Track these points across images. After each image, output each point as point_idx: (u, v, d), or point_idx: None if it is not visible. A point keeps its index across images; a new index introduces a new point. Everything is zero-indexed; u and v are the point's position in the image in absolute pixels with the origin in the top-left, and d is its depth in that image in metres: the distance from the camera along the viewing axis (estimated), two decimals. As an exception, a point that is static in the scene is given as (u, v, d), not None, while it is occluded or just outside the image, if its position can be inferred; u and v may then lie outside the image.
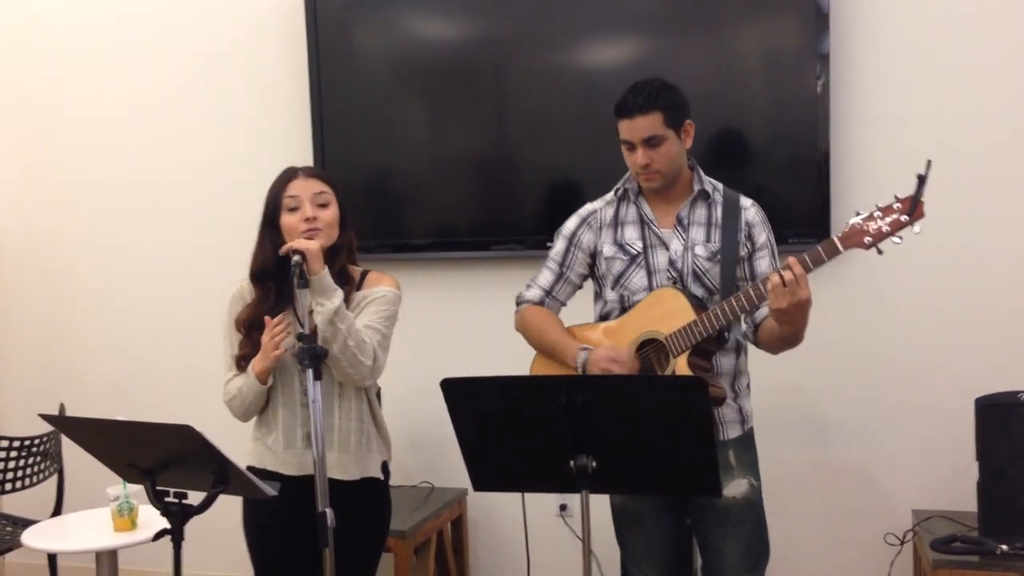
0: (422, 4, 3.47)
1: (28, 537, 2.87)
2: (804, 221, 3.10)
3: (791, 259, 2.13)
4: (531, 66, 3.38)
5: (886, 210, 2.10)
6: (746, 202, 2.41)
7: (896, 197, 2.10)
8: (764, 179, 3.14)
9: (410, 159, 3.52)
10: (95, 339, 3.95)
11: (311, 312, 2.13)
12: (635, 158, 2.31)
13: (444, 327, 3.56)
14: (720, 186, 2.42)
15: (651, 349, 2.33)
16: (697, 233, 2.37)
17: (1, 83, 4.00)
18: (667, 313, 2.30)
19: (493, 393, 2.06)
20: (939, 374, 3.13)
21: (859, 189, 3.12)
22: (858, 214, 2.13)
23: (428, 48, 3.48)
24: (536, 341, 2.48)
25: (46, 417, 2.20)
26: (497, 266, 3.47)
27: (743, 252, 2.37)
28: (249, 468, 2.17)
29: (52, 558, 3.46)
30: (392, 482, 3.40)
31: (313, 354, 2.02)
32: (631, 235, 2.40)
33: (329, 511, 2.01)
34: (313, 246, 2.13)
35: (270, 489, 2.07)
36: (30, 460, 3.28)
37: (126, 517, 2.81)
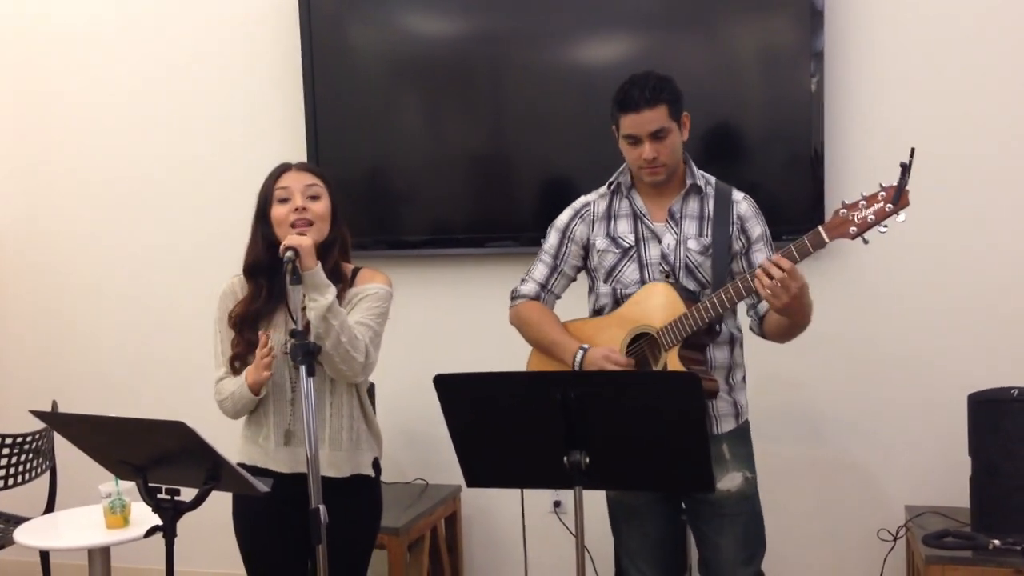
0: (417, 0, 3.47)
1: (20, 534, 2.87)
2: (798, 217, 3.09)
3: (775, 256, 2.13)
4: (526, 63, 3.37)
5: (871, 199, 2.10)
6: (738, 195, 2.41)
7: (881, 185, 2.10)
8: (758, 175, 3.14)
9: (405, 156, 3.51)
10: (88, 336, 3.94)
11: (304, 308, 2.12)
12: (640, 152, 2.30)
13: (439, 324, 3.56)
14: (712, 180, 2.43)
15: (644, 343, 2.34)
16: (689, 227, 2.37)
17: (-6, 79, 3.99)
18: (658, 307, 2.30)
19: (486, 389, 2.05)
20: (932, 370, 3.14)
21: (852, 185, 3.11)
22: (843, 204, 2.13)
23: (423, 44, 3.48)
24: (533, 338, 2.48)
25: (38, 414, 2.20)
26: (492, 263, 3.47)
27: (737, 246, 2.37)
28: (239, 466, 2.17)
29: (44, 555, 3.46)
30: (386, 479, 3.41)
31: (306, 350, 2.01)
32: (624, 228, 2.41)
33: (322, 507, 2.00)
34: (306, 242, 2.12)
35: (262, 486, 2.06)
36: (22, 457, 3.27)
37: (118, 514, 2.81)
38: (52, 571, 3.49)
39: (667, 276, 2.36)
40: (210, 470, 2.02)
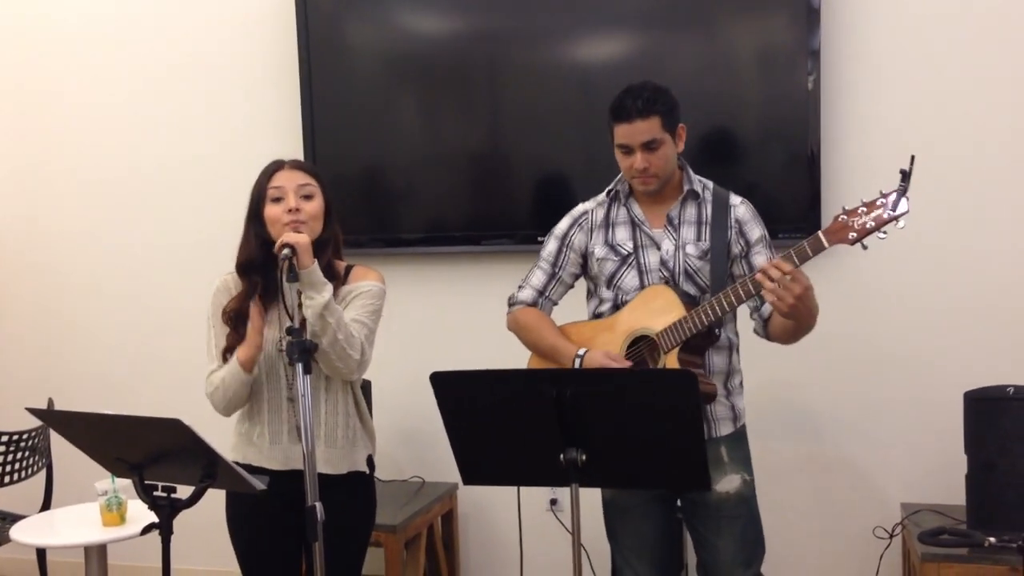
0: (413, -2, 3.47)
1: (17, 532, 2.87)
2: (795, 216, 3.10)
3: (776, 260, 2.14)
4: (523, 62, 3.37)
5: (871, 205, 2.11)
6: (735, 199, 2.41)
7: (881, 192, 2.11)
8: (755, 175, 3.14)
9: (402, 154, 3.51)
10: (86, 334, 3.94)
11: (299, 306, 2.12)
12: (632, 162, 2.31)
13: (435, 322, 3.56)
14: (710, 184, 2.43)
15: (643, 345, 2.35)
16: (688, 232, 2.38)
17: (-10, 77, 3.98)
18: (658, 310, 2.31)
19: (483, 387, 2.06)
20: (928, 369, 3.14)
21: (849, 185, 3.13)
22: (843, 209, 2.14)
23: (420, 43, 3.47)
24: (531, 343, 2.49)
25: (34, 411, 2.19)
26: (488, 261, 3.47)
27: (736, 249, 2.38)
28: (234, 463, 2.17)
29: (41, 553, 3.46)
30: (383, 476, 3.42)
31: (303, 348, 2.01)
32: (622, 236, 2.42)
33: (319, 505, 2.00)
34: (303, 239, 2.13)
35: (259, 483, 2.06)
36: (19, 455, 3.27)
37: (115, 512, 2.81)
38: (48, 569, 3.49)
39: (666, 282, 2.37)
40: (206, 467, 2.02)
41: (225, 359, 2.28)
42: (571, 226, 2.48)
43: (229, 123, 3.70)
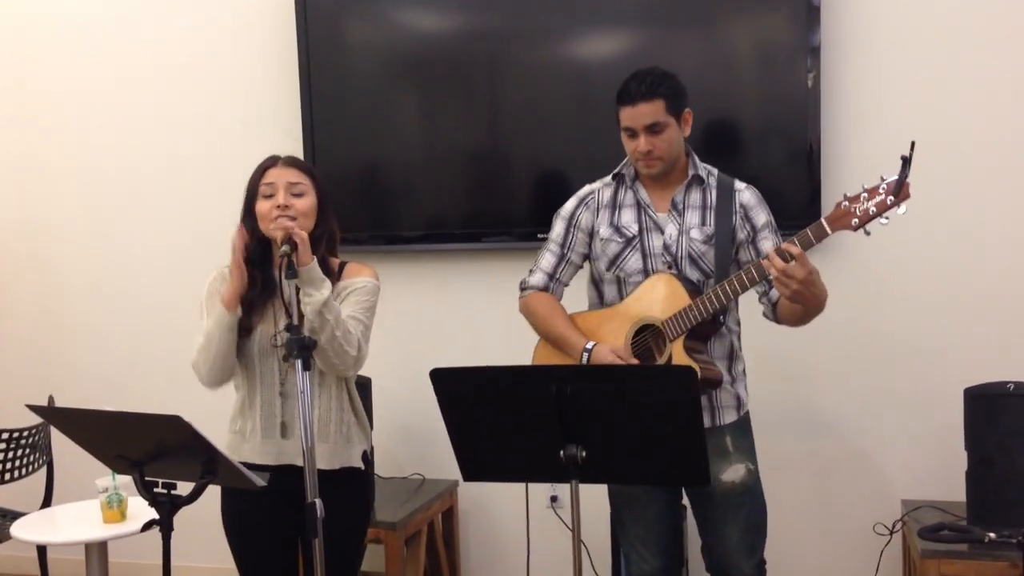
0: (413, -5, 3.47)
1: (17, 529, 2.87)
2: (795, 213, 3.09)
3: (785, 244, 2.15)
4: (523, 58, 3.37)
5: (872, 191, 2.12)
6: (740, 185, 2.43)
7: (882, 178, 2.12)
8: (755, 170, 3.13)
9: (401, 151, 3.51)
10: (86, 332, 3.94)
11: (297, 303, 2.12)
12: (636, 145, 2.33)
13: (435, 319, 3.56)
14: (715, 171, 2.45)
15: (648, 334, 2.36)
16: (692, 217, 2.40)
17: (-11, 74, 3.98)
18: (662, 298, 2.33)
19: (482, 383, 2.05)
20: (929, 365, 3.14)
21: (849, 180, 3.10)
22: (845, 196, 2.15)
23: (419, 40, 3.47)
24: (541, 330, 2.51)
25: (34, 408, 2.19)
26: (488, 258, 3.47)
27: (741, 235, 2.40)
28: None
29: (42, 550, 3.46)
30: (383, 473, 3.43)
31: (302, 344, 2.01)
32: (627, 218, 2.43)
33: (318, 501, 2.00)
34: (304, 235, 2.13)
35: (259, 479, 2.06)
36: (19, 452, 3.27)
37: (115, 509, 2.81)
38: (49, 566, 3.49)
39: (670, 266, 2.38)
40: (206, 464, 2.02)
41: None
42: (578, 206, 2.50)
43: (229, 121, 3.70)
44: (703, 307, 2.26)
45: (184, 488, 2.06)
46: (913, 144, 2.07)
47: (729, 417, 2.42)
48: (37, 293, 4.00)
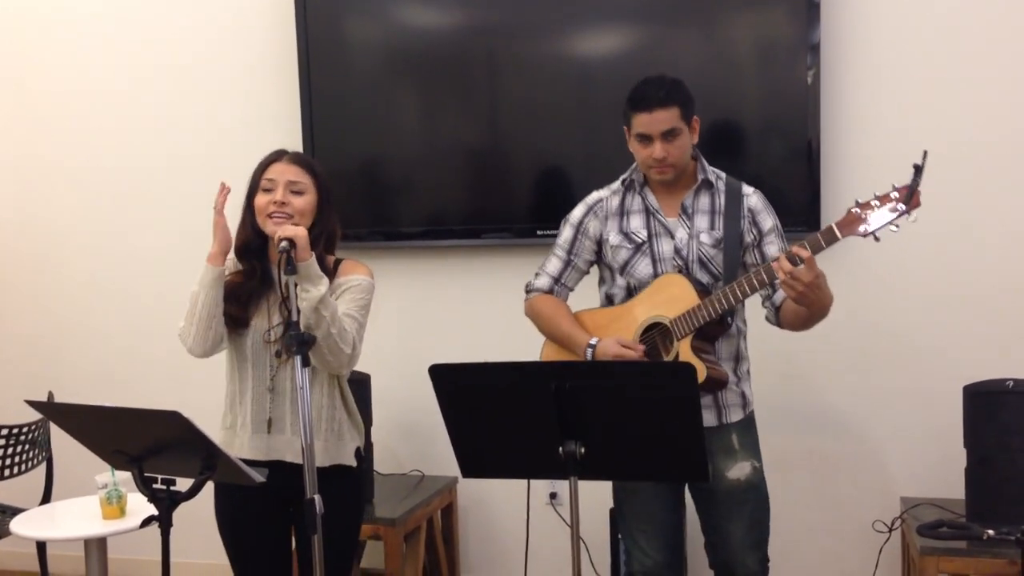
0: (412, -9, 3.46)
1: (17, 525, 2.86)
2: (794, 210, 3.09)
3: (795, 247, 2.17)
4: (523, 55, 3.37)
5: (883, 199, 2.14)
6: (748, 190, 2.46)
7: (894, 186, 2.14)
8: (755, 169, 3.13)
9: (401, 148, 3.51)
10: (85, 328, 3.94)
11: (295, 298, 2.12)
12: (651, 151, 2.34)
13: (435, 315, 3.56)
14: (723, 175, 2.47)
15: (656, 333, 2.38)
16: (701, 221, 2.42)
17: (-11, 70, 3.98)
18: (672, 298, 2.35)
19: (482, 380, 2.06)
20: (928, 362, 3.14)
21: (849, 179, 3.13)
22: (857, 202, 2.17)
23: (419, 36, 3.47)
24: (547, 330, 2.53)
25: (33, 404, 2.19)
26: (488, 254, 3.47)
27: (748, 239, 2.42)
28: None
29: (41, 546, 3.46)
30: (382, 470, 3.43)
31: (301, 340, 2.01)
32: (636, 224, 2.45)
33: (318, 497, 2.00)
34: (302, 232, 2.13)
35: (258, 475, 2.07)
36: (19, 448, 3.27)
37: (115, 505, 2.81)
38: (49, 562, 3.49)
39: (680, 270, 2.40)
40: (205, 460, 2.02)
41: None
42: (585, 214, 2.52)
43: (228, 118, 3.70)
44: (712, 307, 2.28)
45: (183, 484, 2.07)
46: (926, 153, 2.09)
47: (735, 416, 2.44)
48: (37, 291, 4.00)
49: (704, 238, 2.40)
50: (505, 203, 3.45)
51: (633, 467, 2.10)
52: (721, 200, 2.42)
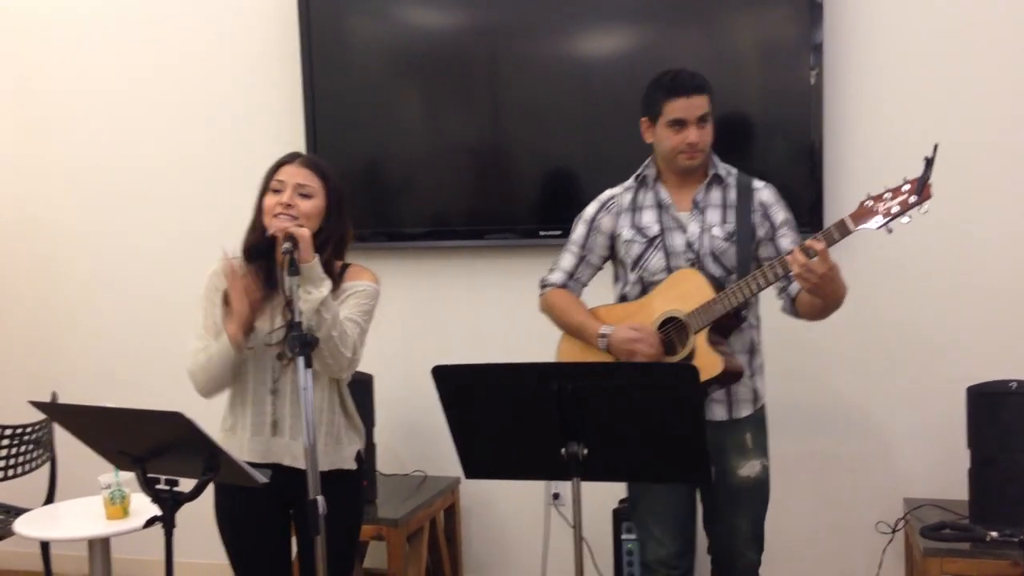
0: (415, -8, 3.47)
1: (20, 525, 2.87)
2: (798, 209, 3.06)
3: (810, 240, 2.21)
4: (526, 55, 3.37)
5: (896, 191, 2.18)
6: (758, 184, 2.50)
7: (905, 179, 2.17)
8: (758, 168, 3.09)
9: (404, 148, 3.51)
10: (87, 327, 3.94)
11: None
12: (684, 136, 2.39)
13: (438, 316, 3.56)
14: (733, 170, 2.51)
15: (671, 327, 2.40)
16: (713, 215, 2.45)
17: (-8, 70, 3.98)
18: (687, 292, 2.38)
19: (484, 380, 2.06)
20: (931, 363, 3.14)
21: (852, 178, 3.12)
22: (869, 195, 2.20)
23: (422, 36, 3.47)
24: (561, 323, 2.56)
25: (37, 404, 2.20)
26: (491, 255, 3.47)
27: (761, 232, 2.45)
28: None
29: (45, 546, 3.46)
30: (385, 470, 3.43)
31: (304, 342, 2.02)
32: (648, 219, 2.48)
33: (320, 498, 2.01)
34: (305, 233, 2.14)
35: (261, 476, 2.07)
36: (22, 448, 3.28)
37: (118, 505, 2.82)
38: (52, 562, 3.50)
39: (692, 264, 2.43)
40: (208, 460, 2.02)
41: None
42: (599, 210, 2.56)
43: (230, 117, 3.70)
44: (727, 301, 2.32)
45: (186, 484, 2.07)
46: (936, 146, 2.12)
47: (745, 411, 2.46)
48: (40, 291, 4.01)
49: (716, 232, 2.43)
50: (508, 204, 3.45)
51: (635, 468, 2.11)
52: (732, 194, 2.46)
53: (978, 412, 2.77)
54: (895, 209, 2.17)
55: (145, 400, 2.30)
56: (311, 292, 2.12)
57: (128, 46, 3.81)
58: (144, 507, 2.56)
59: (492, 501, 3.55)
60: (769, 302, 2.52)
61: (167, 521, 2.06)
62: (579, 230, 2.57)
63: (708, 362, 2.30)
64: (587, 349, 2.48)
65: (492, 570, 3.60)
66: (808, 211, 3.10)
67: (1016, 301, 3.07)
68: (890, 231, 2.19)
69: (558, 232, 3.30)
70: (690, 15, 3.23)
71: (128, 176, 3.85)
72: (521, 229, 3.39)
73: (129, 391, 3.72)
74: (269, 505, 2.25)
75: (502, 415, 2.04)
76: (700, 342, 2.34)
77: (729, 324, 2.39)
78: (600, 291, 2.62)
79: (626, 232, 2.49)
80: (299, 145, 3.49)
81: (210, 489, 2.10)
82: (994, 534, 2.64)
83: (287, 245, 2.09)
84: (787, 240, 2.43)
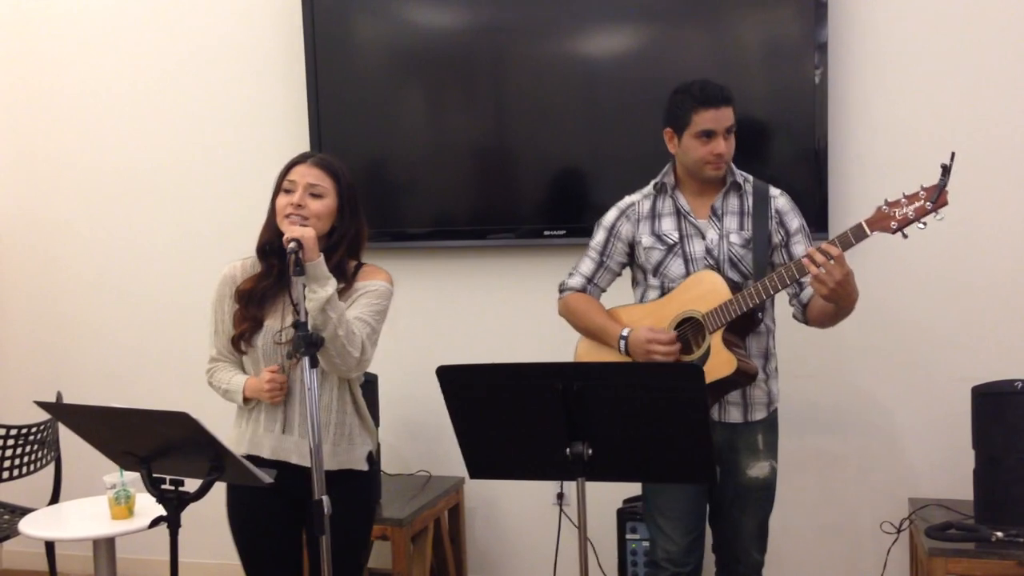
0: (419, -8, 3.46)
1: (25, 525, 2.87)
2: (802, 210, 3.06)
3: (824, 244, 2.23)
4: (529, 55, 3.37)
5: (912, 197, 2.22)
6: (775, 191, 2.54)
7: (922, 186, 2.21)
8: (762, 168, 3.11)
9: (407, 148, 3.51)
10: (92, 327, 3.95)
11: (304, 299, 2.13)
12: (712, 147, 2.42)
13: (442, 316, 3.56)
14: (750, 178, 2.55)
15: (688, 327, 2.43)
16: (731, 222, 2.50)
17: (-3, 71, 3.99)
18: (704, 293, 2.41)
19: (488, 380, 2.06)
20: (936, 363, 3.13)
21: (857, 178, 3.12)
22: (886, 201, 2.23)
23: (426, 36, 3.47)
24: (580, 325, 2.59)
25: (42, 404, 2.20)
26: (494, 255, 3.47)
27: (776, 239, 2.49)
28: None
29: (50, 546, 3.47)
30: (389, 470, 3.43)
31: (309, 341, 2.02)
32: (668, 226, 2.52)
33: (326, 498, 2.01)
34: (309, 233, 2.14)
35: (266, 476, 2.07)
36: (27, 448, 3.28)
37: (123, 505, 2.81)
38: (57, 562, 3.50)
39: (711, 269, 2.47)
40: (214, 460, 2.02)
41: (237, 348, 2.30)
42: (618, 217, 2.59)
43: (235, 117, 3.71)
44: (744, 301, 2.34)
45: (191, 485, 2.07)
46: (953, 155, 2.16)
47: (759, 414, 2.50)
48: (45, 290, 4.01)
49: (734, 238, 2.47)
50: (511, 204, 3.45)
51: (641, 468, 2.11)
52: (749, 202, 2.50)
53: (983, 412, 2.76)
54: (911, 215, 2.20)
55: (149, 400, 2.31)
56: (316, 291, 2.12)
57: (133, 46, 3.81)
58: (149, 507, 2.57)
59: (496, 501, 3.55)
60: (781, 307, 2.54)
61: (172, 521, 2.06)
62: (599, 236, 2.61)
63: (722, 361, 2.34)
64: (605, 351, 2.51)
65: (496, 570, 3.60)
66: (812, 211, 3.09)
67: (1022, 301, 3.06)
68: (905, 236, 2.22)
69: (562, 232, 3.31)
70: (694, 15, 3.22)
71: (133, 176, 3.86)
72: (525, 229, 3.38)
73: (134, 391, 3.74)
74: (280, 504, 2.25)
75: (506, 415, 2.04)
76: (716, 341, 2.37)
77: (745, 325, 2.42)
78: (618, 294, 2.63)
79: (646, 239, 2.53)
80: (304, 145, 3.49)
81: (219, 488, 2.10)
82: (999, 534, 2.64)
83: (292, 245, 2.10)
84: (800, 247, 2.48)
